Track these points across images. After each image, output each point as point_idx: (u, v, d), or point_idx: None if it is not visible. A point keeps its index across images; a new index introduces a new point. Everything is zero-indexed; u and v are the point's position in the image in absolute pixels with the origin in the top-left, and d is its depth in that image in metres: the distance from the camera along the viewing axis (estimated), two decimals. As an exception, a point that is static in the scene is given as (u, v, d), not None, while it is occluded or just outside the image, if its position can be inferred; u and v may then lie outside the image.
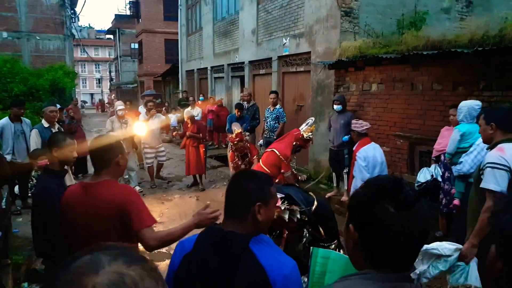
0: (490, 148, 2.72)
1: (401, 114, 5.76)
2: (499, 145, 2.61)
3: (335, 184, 6.62)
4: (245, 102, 8.39)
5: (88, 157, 8.46)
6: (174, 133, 9.76)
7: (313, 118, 6.04)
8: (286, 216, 2.02)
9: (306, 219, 2.14)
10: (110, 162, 2.13)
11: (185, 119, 8.23)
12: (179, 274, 1.45)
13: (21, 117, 5.91)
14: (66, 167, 5.24)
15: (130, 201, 2.06)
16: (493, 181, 2.48)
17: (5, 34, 23.12)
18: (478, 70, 4.46)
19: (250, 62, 10.82)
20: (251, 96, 8.72)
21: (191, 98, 12.77)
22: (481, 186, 2.54)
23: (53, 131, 5.09)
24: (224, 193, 1.82)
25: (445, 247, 2.47)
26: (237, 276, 1.32)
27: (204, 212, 2.01)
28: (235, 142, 6.40)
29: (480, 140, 3.37)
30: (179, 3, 17.18)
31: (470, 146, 3.82)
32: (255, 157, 6.63)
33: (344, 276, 1.07)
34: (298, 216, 2.05)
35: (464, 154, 3.78)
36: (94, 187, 2.09)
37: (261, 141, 8.21)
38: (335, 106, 6.20)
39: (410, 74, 5.53)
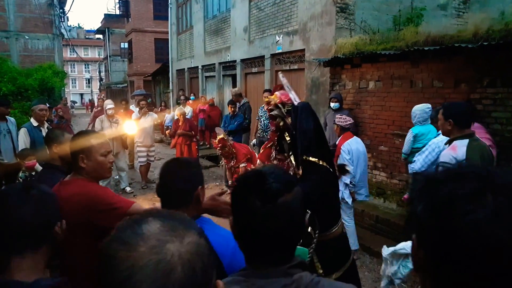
0: (448, 142, 2.88)
1: (399, 112, 5.61)
2: (453, 143, 2.77)
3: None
4: (237, 102, 8.21)
5: None
6: (166, 131, 9.58)
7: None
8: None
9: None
10: (74, 161, 1.99)
11: (177, 116, 8.10)
12: None
13: (6, 116, 5.64)
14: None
15: (97, 201, 1.91)
16: None
17: (-8, 33, 22.61)
18: (482, 66, 4.32)
19: (242, 60, 10.62)
20: (241, 95, 8.53)
21: (182, 97, 12.52)
22: None
23: (42, 130, 4.86)
24: (216, 193, 1.83)
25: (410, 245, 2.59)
26: None
27: (219, 199, 1.73)
28: (218, 149, 6.24)
29: (432, 140, 3.69)
30: (169, 2, 16.90)
31: (423, 146, 3.94)
32: (242, 164, 6.32)
33: (235, 273, 1.05)
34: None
35: (417, 154, 3.90)
36: (63, 187, 1.97)
37: (254, 141, 8.02)
38: (332, 104, 6.03)
39: (409, 71, 5.38)
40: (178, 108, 8.43)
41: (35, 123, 4.75)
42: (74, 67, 55.94)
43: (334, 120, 5.98)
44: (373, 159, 6.16)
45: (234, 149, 6.27)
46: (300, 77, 8.09)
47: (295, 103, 2.26)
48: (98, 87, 45.86)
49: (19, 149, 4.51)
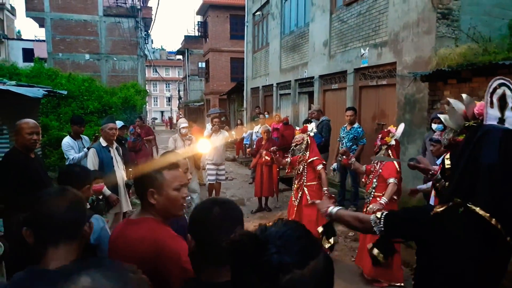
0: None
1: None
2: None
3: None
4: (315, 120, 7.50)
5: None
6: (248, 150, 9.23)
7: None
8: None
9: None
10: (142, 196, 1.70)
11: (260, 134, 7.71)
12: None
13: (80, 135, 5.62)
14: (122, 187, 4.79)
15: (168, 250, 1.57)
16: None
17: (87, 56, 24.87)
18: None
19: (321, 76, 9.94)
20: (322, 112, 7.81)
21: (261, 116, 12.12)
22: None
23: (111, 150, 4.65)
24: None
25: None
26: None
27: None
28: (297, 132, 5.50)
29: None
30: (245, 20, 16.96)
31: None
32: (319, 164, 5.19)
33: None
34: None
35: None
36: (129, 226, 1.70)
37: (334, 165, 7.20)
38: (434, 126, 5.05)
39: (541, 84, 4.25)
40: (263, 126, 8.02)
41: (104, 143, 4.52)
42: (156, 86, 59.88)
43: (431, 146, 5.03)
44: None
45: (309, 141, 5.31)
46: (389, 94, 7.16)
47: (486, 122, 1.37)
48: (177, 105, 48.35)
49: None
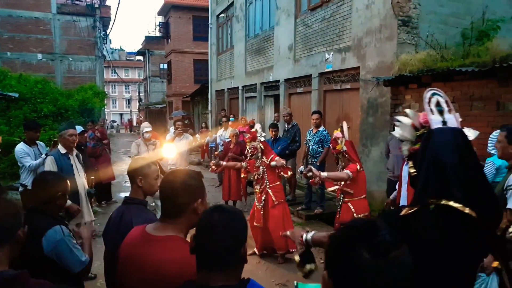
0: (509, 168, 2.86)
1: (482, 139, 4.70)
2: None
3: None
4: (285, 123, 7.52)
5: (113, 183, 7.48)
6: (216, 153, 9.10)
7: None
8: None
9: None
10: (185, 209, 1.59)
11: (228, 138, 7.64)
12: None
13: (36, 141, 5.28)
14: (84, 196, 4.53)
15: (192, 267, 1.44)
16: None
17: (39, 56, 23.58)
18: None
19: (286, 80, 10.03)
20: (291, 116, 7.86)
21: (224, 118, 12.03)
22: (509, 207, 2.67)
23: (71, 158, 4.38)
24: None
25: None
26: None
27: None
28: (248, 141, 5.41)
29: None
30: (209, 22, 16.80)
31: None
32: (272, 162, 5.14)
33: None
34: None
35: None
36: (158, 245, 1.54)
37: (301, 168, 7.25)
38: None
39: (495, 90, 4.52)
40: (232, 129, 7.95)
41: (63, 150, 4.24)
42: (114, 88, 57.96)
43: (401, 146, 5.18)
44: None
45: (263, 146, 5.31)
46: (353, 98, 7.34)
47: (434, 127, 1.48)
48: (137, 107, 47.04)
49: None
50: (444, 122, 1.57)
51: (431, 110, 1.58)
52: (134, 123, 44.56)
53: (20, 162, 5.05)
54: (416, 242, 1.33)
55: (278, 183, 5.25)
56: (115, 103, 60.20)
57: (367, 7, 6.68)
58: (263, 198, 5.20)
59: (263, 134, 5.69)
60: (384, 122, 6.33)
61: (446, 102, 1.55)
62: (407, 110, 1.70)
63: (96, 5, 24.59)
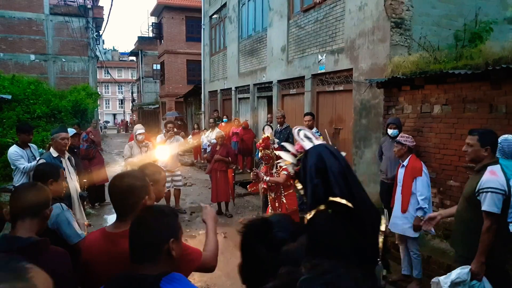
0: (478, 170, 2.97)
1: (474, 141, 4.73)
2: (490, 169, 2.87)
3: (387, 224, 5.57)
4: (278, 125, 7.51)
5: (106, 184, 7.49)
6: (204, 156, 9.10)
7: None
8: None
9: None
10: (135, 207, 1.78)
11: (214, 140, 7.63)
12: None
13: (29, 144, 5.23)
14: (76, 199, 4.49)
15: None
16: (494, 205, 2.78)
17: (32, 57, 23.36)
18: None
19: (279, 81, 10.02)
20: (284, 118, 7.85)
21: (211, 120, 11.97)
22: (484, 209, 2.80)
23: (63, 161, 4.34)
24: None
25: (462, 272, 2.81)
26: None
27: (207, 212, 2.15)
28: (260, 149, 5.47)
29: None
30: (202, 23, 16.75)
31: None
32: (283, 172, 5.21)
33: None
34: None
35: None
36: (119, 239, 1.71)
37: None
38: (389, 131, 5.23)
39: (488, 93, 4.54)
40: (218, 131, 7.92)
41: (54, 154, 4.20)
42: (108, 88, 57.62)
43: (394, 148, 5.21)
44: (440, 195, 5.27)
45: (276, 155, 5.25)
46: (346, 99, 7.35)
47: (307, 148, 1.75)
48: (130, 108, 46.77)
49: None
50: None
51: (302, 139, 1.84)
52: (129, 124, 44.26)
53: (14, 165, 5.00)
54: (315, 240, 1.47)
55: (292, 191, 5.33)
56: (108, 104, 59.87)
57: (359, 8, 6.70)
58: (276, 205, 5.33)
59: (277, 141, 5.73)
60: (377, 124, 6.35)
61: (312, 134, 1.83)
62: (277, 140, 2.02)
63: (89, 6, 24.41)
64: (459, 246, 3.13)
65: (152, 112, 31.41)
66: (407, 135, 4.62)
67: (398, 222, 4.51)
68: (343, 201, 1.50)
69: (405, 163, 4.46)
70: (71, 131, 5.65)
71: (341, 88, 7.53)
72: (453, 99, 4.99)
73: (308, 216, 1.59)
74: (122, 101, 57.09)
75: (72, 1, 22.28)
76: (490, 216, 2.78)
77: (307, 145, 1.80)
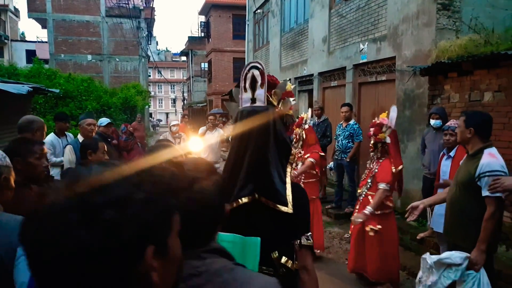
0: (473, 154, 2.79)
1: (532, 132, 4.16)
2: (488, 151, 2.72)
3: (429, 222, 5.08)
4: (315, 117, 7.21)
5: None
6: None
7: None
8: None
9: None
10: None
11: None
12: None
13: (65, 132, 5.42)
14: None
15: None
16: None
17: (89, 57, 24.84)
18: None
19: (320, 73, 9.67)
20: (323, 110, 7.52)
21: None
22: (488, 194, 2.60)
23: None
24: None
25: (456, 255, 2.61)
26: None
27: None
28: (294, 128, 4.77)
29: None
30: (246, 19, 16.75)
31: None
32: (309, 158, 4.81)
33: None
34: None
35: None
36: None
37: (331, 164, 6.93)
38: (432, 121, 4.77)
39: (548, 76, 3.96)
40: None
41: (81, 139, 4.30)
42: (160, 88, 59.98)
43: (437, 141, 4.74)
44: (491, 193, 4.71)
45: (305, 135, 4.91)
46: (389, 90, 6.88)
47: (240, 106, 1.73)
48: (181, 107, 48.30)
49: (64, 168, 4.08)
50: (253, 100, 1.65)
51: (245, 87, 1.66)
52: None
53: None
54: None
55: (314, 180, 4.95)
56: (162, 103, 62.24)
57: (403, -9, 6.22)
58: None
59: (309, 120, 5.20)
60: (421, 116, 5.85)
61: (262, 74, 1.59)
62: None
63: (141, 7, 25.44)
64: (457, 237, 2.91)
65: (200, 110, 32.11)
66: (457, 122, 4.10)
67: (441, 220, 4.05)
68: (255, 195, 1.58)
69: (451, 153, 4.02)
70: (106, 120, 5.80)
71: (383, 78, 7.06)
72: (508, 84, 4.42)
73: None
74: (174, 101, 59.11)
75: (125, 3, 23.40)
76: (495, 200, 2.61)
77: (244, 101, 1.69)
